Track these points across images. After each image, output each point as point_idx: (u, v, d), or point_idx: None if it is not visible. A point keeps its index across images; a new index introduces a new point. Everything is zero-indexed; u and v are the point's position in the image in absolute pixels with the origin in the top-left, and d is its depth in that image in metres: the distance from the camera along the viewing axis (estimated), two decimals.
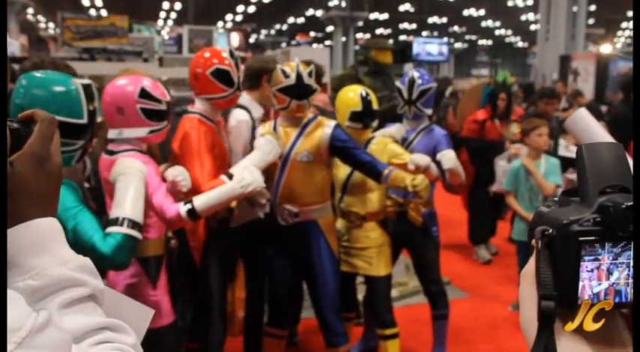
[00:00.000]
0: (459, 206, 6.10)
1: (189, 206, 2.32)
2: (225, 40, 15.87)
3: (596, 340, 0.51)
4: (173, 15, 27.54)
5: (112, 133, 2.37)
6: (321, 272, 2.99)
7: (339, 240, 3.20)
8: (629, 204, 0.47)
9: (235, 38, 17.81)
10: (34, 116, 0.79)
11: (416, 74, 3.57)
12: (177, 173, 2.40)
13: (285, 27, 34.64)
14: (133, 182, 2.19)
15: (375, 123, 3.26)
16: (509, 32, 37.33)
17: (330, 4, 26.30)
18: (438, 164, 3.34)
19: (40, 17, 26.99)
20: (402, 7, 28.98)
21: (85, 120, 2.04)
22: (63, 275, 0.75)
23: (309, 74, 2.87)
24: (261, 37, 35.62)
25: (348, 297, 3.46)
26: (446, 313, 3.60)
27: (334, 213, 3.19)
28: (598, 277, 0.48)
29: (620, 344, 0.51)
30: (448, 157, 3.34)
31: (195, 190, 2.51)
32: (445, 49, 20.10)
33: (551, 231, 0.48)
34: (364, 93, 3.19)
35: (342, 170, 3.18)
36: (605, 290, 0.49)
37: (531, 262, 0.52)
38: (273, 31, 35.62)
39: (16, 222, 0.74)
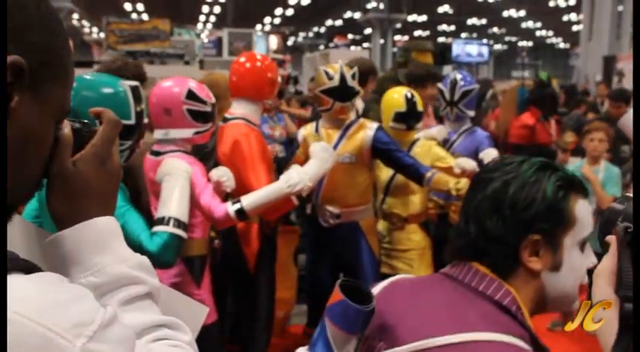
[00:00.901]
0: None
1: (238, 205, 2.31)
2: (264, 43, 15.98)
3: None
4: (212, 18, 27.91)
5: (158, 134, 2.41)
6: (362, 274, 2.98)
7: (380, 241, 3.19)
8: None
9: (273, 41, 17.93)
10: (102, 115, 0.81)
11: (458, 76, 3.56)
12: (222, 173, 2.42)
13: (322, 29, 34.72)
14: (178, 182, 2.23)
15: (419, 125, 3.24)
16: (551, 33, 36.65)
17: (368, 6, 26.24)
18: (480, 164, 3.30)
19: (85, 22, 27.65)
20: (441, 9, 28.74)
21: (132, 121, 2.08)
22: (123, 272, 0.78)
23: (353, 76, 2.87)
24: (299, 39, 35.77)
25: None
26: None
27: (375, 214, 3.18)
28: None
29: None
30: (490, 155, 3.30)
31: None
32: (485, 51, 19.86)
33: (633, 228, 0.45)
34: (409, 95, 3.18)
35: (384, 172, 3.17)
36: None
37: (606, 260, 0.51)
38: (311, 34, 35.74)
39: (78, 220, 0.76)
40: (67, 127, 0.76)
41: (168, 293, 1.00)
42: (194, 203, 2.28)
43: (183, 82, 2.44)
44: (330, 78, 2.85)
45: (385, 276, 3.29)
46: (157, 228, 2.08)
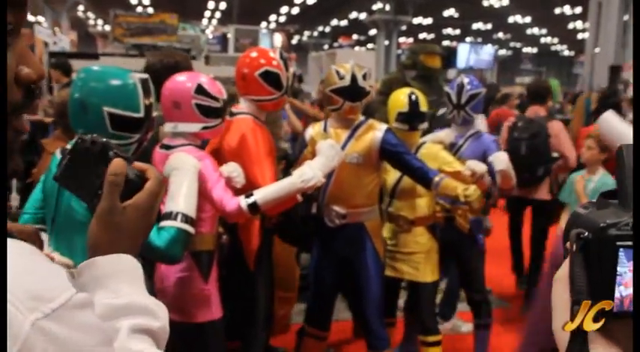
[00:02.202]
0: (500, 214, 5.99)
1: (251, 199, 2.30)
2: (269, 41, 15.96)
3: (630, 350, 0.49)
4: (217, 14, 27.87)
5: (168, 127, 2.43)
6: (367, 276, 2.97)
7: (385, 244, 3.18)
8: None
9: (278, 39, 17.93)
10: (147, 172, 0.91)
11: (465, 79, 3.56)
12: (232, 169, 2.41)
13: (327, 29, 34.69)
14: (187, 177, 2.21)
15: (424, 126, 3.22)
16: (556, 40, 36.64)
17: (374, 7, 26.22)
18: (489, 167, 3.29)
19: (90, 14, 27.62)
20: (447, 13, 28.72)
21: (141, 114, 2.07)
22: (143, 302, 0.86)
23: (364, 76, 2.86)
24: (304, 38, 35.76)
25: (390, 302, 3.43)
26: (489, 322, 3.55)
27: (381, 217, 3.17)
28: (625, 283, 0.46)
29: None
30: (500, 159, 3.29)
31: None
32: (490, 56, 19.86)
33: (587, 234, 0.46)
34: (412, 95, 3.17)
35: (391, 174, 3.16)
36: (630, 297, 0.46)
37: (565, 266, 0.50)
38: (315, 33, 35.72)
39: (111, 252, 0.86)
40: (120, 175, 0.86)
41: None
42: (205, 197, 2.28)
43: (194, 77, 2.45)
44: (341, 77, 2.84)
45: (389, 279, 3.30)
46: (164, 223, 2.07)
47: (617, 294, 0.45)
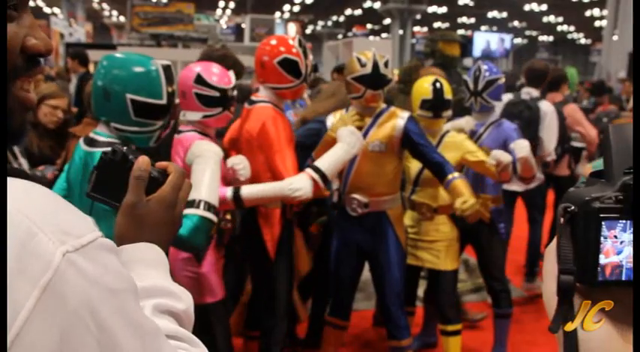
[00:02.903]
0: (521, 203, 5.95)
1: (235, 190, 2.39)
2: (283, 30, 15.91)
3: (612, 314, 0.51)
4: (232, 5, 27.83)
5: (181, 114, 2.49)
6: (388, 264, 2.96)
7: (407, 232, 3.17)
8: None
9: (292, 28, 17.88)
10: (168, 168, 0.95)
11: (483, 66, 3.52)
12: (238, 161, 2.44)
13: (342, 18, 34.52)
14: (209, 165, 2.22)
15: (448, 114, 3.19)
16: (572, 28, 36.18)
17: None
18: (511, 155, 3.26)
19: (105, 5, 27.69)
20: (462, 1, 28.44)
21: (164, 101, 2.07)
22: (167, 286, 0.87)
23: (385, 64, 2.84)
24: (318, 28, 35.62)
25: (410, 291, 3.42)
26: (509, 312, 3.53)
27: (403, 205, 3.15)
28: (606, 252, 0.49)
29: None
30: (521, 146, 3.25)
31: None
32: (507, 44, 19.67)
33: (573, 207, 0.49)
34: (436, 83, 3.14)
35: (414, 163, 3.13)
36: (613, 265, 0.49)
37: (556, 239, 0.53)
38: (329, 23, 35.56)
39: (137, 242, 0.89)
40: (145, 171, 0.91)
41: None
42: None
43: (197, 67, 2.49)
44: (363, 65, 2.82)
45: (410, 267, 3.29)
46: (187, 211, 2.06)
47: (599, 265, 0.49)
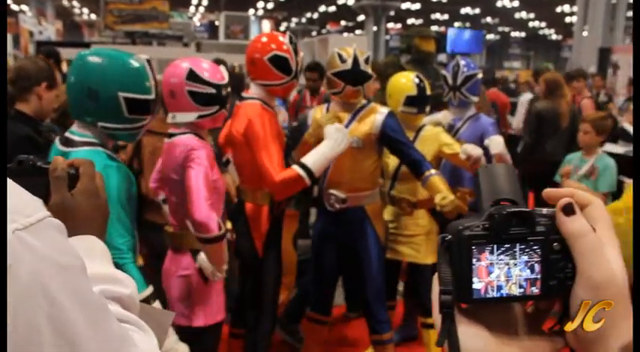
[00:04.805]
0: None
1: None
2: (257, 28, 15.84)
3: (492, 326, 0.57)
4: (205, 2, 27.62)
5: (169, 117, 2.37)
6: (368, 259, 2.98)
7: (386, 227, 3.19)
8: (510, 210, 0.54)
9: (266, 26, 17.80)
10: (74, 163, 0.97)
11: (462, 62, 3.59)
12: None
13: (316, 15, 34.50)
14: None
15: (428, 109, 3.24)
16: (544, 24, 36.67)
17: None
18: (486, 151, 3.31)
19: (75, 3, 27.27)
20: None
21: (152, 96, 2.05)
22: (111, 273, 0.89)
23: (366, 60, 2.85)
24: (292, 25, 35.54)
25: (391, 285, 3.45)
26: None
27: (382, 200, 3.17)
28: (479, 274, 0.55)
29: (514, 332, 0.58)
30: (496, 142, 3.31)
31: (266, 181, 2.52)
32: (479, 41, 19.86)
33: (449, 236, 0.56)
34: (418, 79, 3.19)
35: (393, 158, 3.16)
36: (488, 284, 0.56)
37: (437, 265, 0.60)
38: (304, 20, 35.51)
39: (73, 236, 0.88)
40: (62, 169, 0.93)
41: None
42: (209, 187, 2.26)
43: (186, 62, 2.34)
44: (343, 61, 2.83)
45: (390, 261, 3.31)
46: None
47: (474, 285, 0.55)
